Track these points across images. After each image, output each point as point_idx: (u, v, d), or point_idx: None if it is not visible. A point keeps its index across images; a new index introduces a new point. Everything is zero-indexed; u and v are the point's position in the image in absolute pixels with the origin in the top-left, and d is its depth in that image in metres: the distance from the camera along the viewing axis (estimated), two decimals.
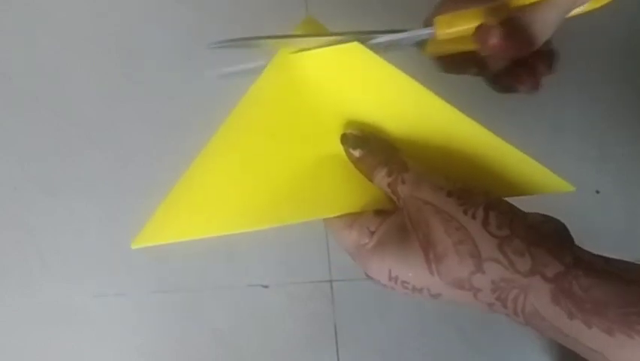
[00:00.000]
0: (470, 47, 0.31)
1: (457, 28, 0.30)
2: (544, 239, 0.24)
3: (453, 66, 0.33)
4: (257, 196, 0.28)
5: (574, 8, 0.30)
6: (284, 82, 0.30)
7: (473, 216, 0.24)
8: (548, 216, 0.26)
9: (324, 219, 0.29)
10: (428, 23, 0.31)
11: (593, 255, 0.24)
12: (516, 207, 0.26)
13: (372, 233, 0.27)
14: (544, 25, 0.29)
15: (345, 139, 0.29)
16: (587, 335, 0.22)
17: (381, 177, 0.27)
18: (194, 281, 0.70)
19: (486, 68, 0.33)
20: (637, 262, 0.23)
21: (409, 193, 0.26)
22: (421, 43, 0.32)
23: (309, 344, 0.69)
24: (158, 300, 0.69)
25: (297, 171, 0.29)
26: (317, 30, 0.34)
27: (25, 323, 0.68)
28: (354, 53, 0.29)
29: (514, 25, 0.29)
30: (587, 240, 0.24)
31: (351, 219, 0.28)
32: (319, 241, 0.72)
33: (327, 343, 0.69)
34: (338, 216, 0.28)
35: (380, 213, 0.28)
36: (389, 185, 0.27)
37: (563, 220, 0.26)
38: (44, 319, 0.68)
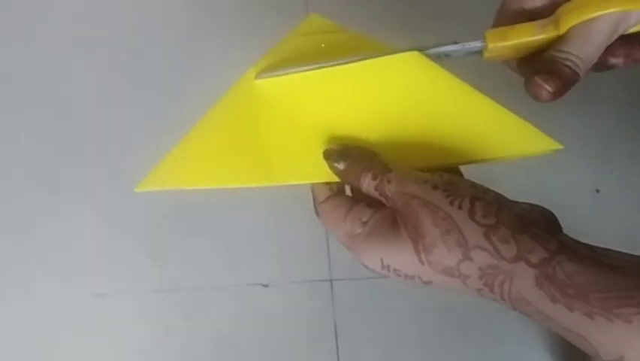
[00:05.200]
0: (528, 52, 0.32)
1: (506, 43, 0.31)
2: (529, 226, 0.24)
3: (523, 68, 0.34)
4: (253, 156, 0.31)
5: (621, 32, 0.30)
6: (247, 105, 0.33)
7: (460, 207, 0.25)
8: (537, 206, 0.26)
9: (321, 217, 0.30)
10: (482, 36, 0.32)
11: (579, 242, 0.24)
12: (504, 196, 0.26)
13: (365, 223, 0.28)
14: (588, 53, 0.30)
15: (327, 154, 0.30)
16: (568, 319, 0.22)
17: (368, 182, 0.28)
18: (194, 281, 0.70)
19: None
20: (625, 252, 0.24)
21: (395, 191, 0.27)
22: (475, 53, 0.33)
23: (309, 343, 0.70)
24: (158, 300, 0.69)
25: (289, 138, 0.31)
26: (322, 27, 0.35)
27: (25, 322, 0.68)
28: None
29: (558, 71, 0.30)
30: (587, 239, 0.25)
31: (345, 211, 0.29)
32: (319, 240, 0.72)
33: (327, 342, 0.69)
34: (333, 211, 0.30)
35: (372, 204, 0.29)
36: (376, 188, 0.28)
37: (562, 219, 0.26)
38: (44, 319, 0.68)
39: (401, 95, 0.31)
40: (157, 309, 0.69)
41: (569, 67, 0.30)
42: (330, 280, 0.71)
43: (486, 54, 0.32)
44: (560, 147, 0.30)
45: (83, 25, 0.80)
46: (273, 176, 0.30)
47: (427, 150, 0.30)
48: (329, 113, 0.31)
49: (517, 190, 0.30)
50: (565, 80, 0.30)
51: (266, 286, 0.71)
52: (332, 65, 0.31)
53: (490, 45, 0.31)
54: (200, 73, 0.75)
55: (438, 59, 0.32)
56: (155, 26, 0.80)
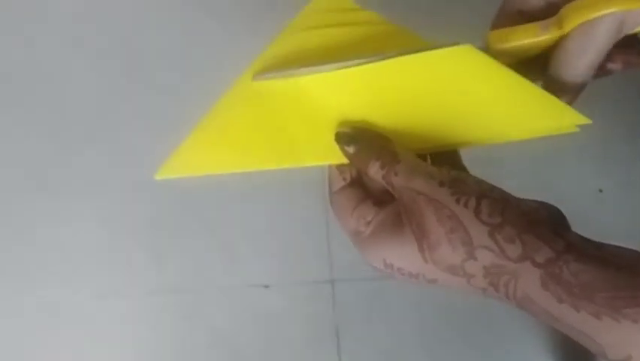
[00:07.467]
0: (531, 54, 0.31)
1: (509, 44, 0.31)
2: (535, 225, 0.24)
3: (522, 72, 0.33)
4: (272, 137, 0.31)
5: (625, 32, 0.30)
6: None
7: (465, 205, 0.25)
8: (544, 203, 0.26)
9: (333, 208, 0.30)
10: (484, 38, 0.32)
11: (587, 240, 0.24)
12: (510, 194, 0.26)
13: (369, 223, 0.28)
14: (585, 59, 0.30)
15: (338, 137, 0.30)
16: (575, 319, 0.22)
17: (375, 170, 0.28)
18: (194, 281, 0.70)
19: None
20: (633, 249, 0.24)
21: (402, 185, 0.27)
22: None
23: (310, 344, 0.69)
24: (158, 300, 0.69)
25: (308, 119, 0.31)
26: (337, 3, 0.35)
27: (25, 322, 0.68)
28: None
29: (565, 89, 0.31)
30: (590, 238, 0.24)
31: (352, 206, 0.29)
32: (320, 241, 0.72)
33: (328, 343, 0.69)
34: (341, 203, 0.30)
35: (378, 203, 0.29)
36: (383, 177, 0.28)
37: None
38: (44, 319, 0.68)
39: (426, 75, 0.31)
40: (157, 310, 0.69)
41: (576, 80, 0.30)
42: (331, 281, 0.71)
43: None
44: (589, 121, 0.30)
45: (83, 26, 0.79)
46: (291, 158, 0.30)
47: (454, 130, 0.30)
48: (351, 98, 0.31)
49: (520, 190, 0.30)
50: (574, 93, 0.31)
51: (267, 286, 0.70)
52: (365, 63, 0.30)
53: (492, 47, 0.31)
54: (201, 73, 0.75)
55: None
56: (155, 26, 0.80)
